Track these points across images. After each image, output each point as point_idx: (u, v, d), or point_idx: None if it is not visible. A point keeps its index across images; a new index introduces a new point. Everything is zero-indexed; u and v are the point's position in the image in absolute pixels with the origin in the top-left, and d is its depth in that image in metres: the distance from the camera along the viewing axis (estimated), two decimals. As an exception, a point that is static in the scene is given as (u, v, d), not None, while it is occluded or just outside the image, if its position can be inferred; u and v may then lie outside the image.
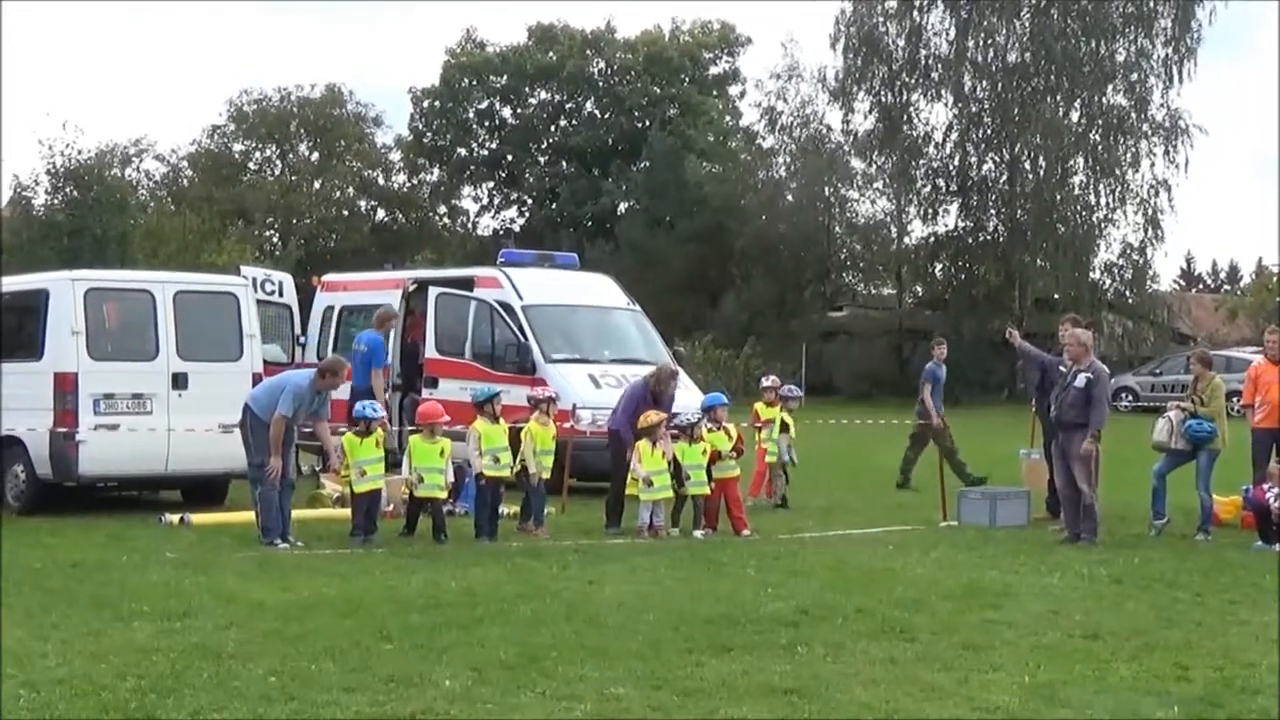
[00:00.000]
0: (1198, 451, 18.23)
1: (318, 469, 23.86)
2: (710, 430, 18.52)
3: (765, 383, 23.07)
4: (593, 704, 9.07)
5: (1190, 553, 16.74)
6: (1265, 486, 17.40)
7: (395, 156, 78.33)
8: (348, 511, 17.64)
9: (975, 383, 56.60)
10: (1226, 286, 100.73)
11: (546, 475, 18.20)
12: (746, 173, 66.92)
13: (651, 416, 18.23)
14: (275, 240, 72.15)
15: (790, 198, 64.67)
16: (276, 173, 75.80)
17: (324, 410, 17.42)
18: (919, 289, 66.46)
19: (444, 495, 17.57)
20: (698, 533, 17.97)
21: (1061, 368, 18.26)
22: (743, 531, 18.07)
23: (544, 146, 77.33)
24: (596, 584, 13.95)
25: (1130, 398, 48.48)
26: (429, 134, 78.01)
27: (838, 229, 65.14)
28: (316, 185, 75.00)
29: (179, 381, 20.11)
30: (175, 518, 18.49)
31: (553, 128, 77.24)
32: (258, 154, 76.48)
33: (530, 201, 77.81)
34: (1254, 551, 16.75)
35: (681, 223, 64.49)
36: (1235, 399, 20.37)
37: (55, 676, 9.61)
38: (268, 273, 26.89)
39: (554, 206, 74.91)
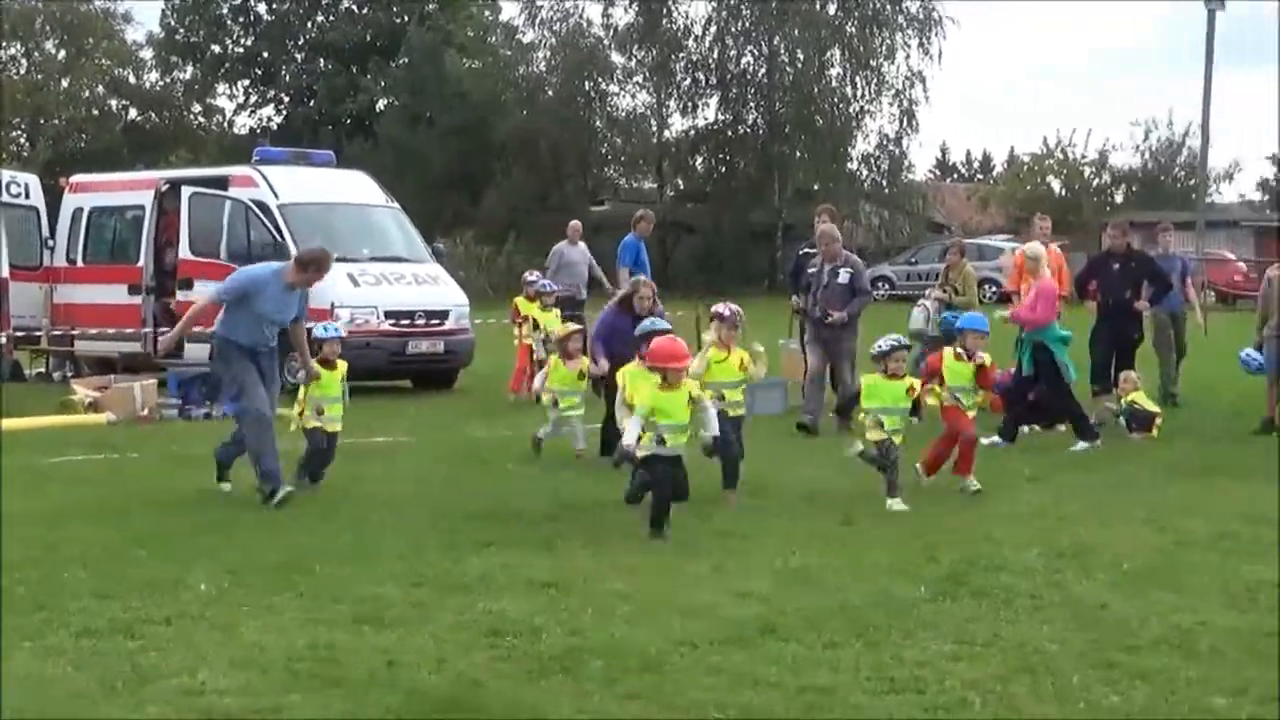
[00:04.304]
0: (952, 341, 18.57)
1: (69, 375, 23.40)
2: (957, 358, 14.28)
3: (529, 277, 23.10)
4: (351, 603, 9.05)
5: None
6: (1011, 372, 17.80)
7: (147, 54, 76.41)
8: (100, 416, 17.21)
9: (736, 274, 57.25)
10: (979, 176, 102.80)
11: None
12: (507, 68, 66.39)
13: (560, 330, 17.71)
14: (23, 141, 70.17)
15: (551, 92, 64.34)
16: (22, 71, 73.51)
17: (303, 310, 13.81)
18: (680, 182, 66.74)
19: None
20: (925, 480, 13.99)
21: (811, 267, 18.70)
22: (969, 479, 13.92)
23: (300, 43, 75.81)
24: (358, 482, 13.91)
25: (887, 286, 49.47)
26: (181, 30, 76.07)
27: (598, 123, 65.04)
28: (65, 84, 72.94)
29: None
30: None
31: (309, 23, 75.70)
32: (1, 52, 74.09)
33: (287, 99, 76.38)
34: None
35: (442, 119, 63.86)
36: (987, 286, 20.84)
37: None
38: (13, 175, 26.27)
39: (312, 104, 73.64)
